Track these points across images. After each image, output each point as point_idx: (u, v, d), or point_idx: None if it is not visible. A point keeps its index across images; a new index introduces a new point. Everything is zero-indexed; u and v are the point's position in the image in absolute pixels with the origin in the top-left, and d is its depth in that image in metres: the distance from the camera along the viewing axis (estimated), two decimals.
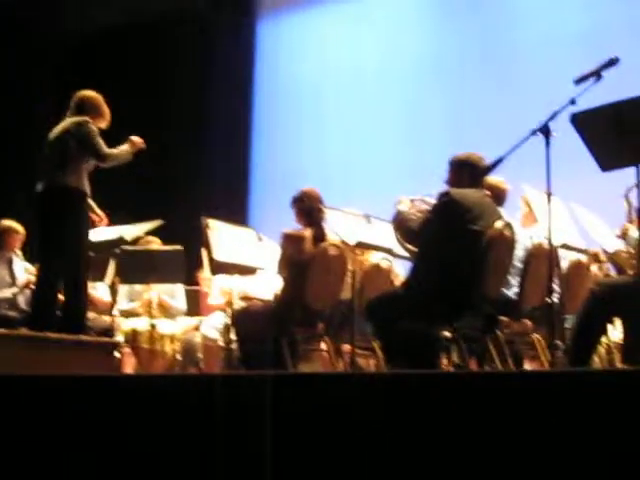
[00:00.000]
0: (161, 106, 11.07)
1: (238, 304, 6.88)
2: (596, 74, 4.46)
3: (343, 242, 6.14)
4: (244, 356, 6.33)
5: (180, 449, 3.42)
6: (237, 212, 10.27)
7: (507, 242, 5.47)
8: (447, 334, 5.53)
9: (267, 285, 6.93)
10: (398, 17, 10.80)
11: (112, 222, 6.92)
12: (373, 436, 3.17)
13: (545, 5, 9.86)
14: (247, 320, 6.42)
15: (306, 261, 6.20)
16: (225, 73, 11.39)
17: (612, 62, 4.44)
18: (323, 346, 6.52)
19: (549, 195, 4.63)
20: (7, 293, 7.36)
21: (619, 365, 5.85)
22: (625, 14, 9.33)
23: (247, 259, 6.56)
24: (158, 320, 7.62)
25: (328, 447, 3.23)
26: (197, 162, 11.06)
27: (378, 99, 10.55)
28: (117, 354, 6.97)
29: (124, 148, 6.56)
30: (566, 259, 6.15)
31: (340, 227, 6.13)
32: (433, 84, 10.26)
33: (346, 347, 6.44)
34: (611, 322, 5.52)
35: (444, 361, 5.80)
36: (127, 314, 7.90)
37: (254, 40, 11.72)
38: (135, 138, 6.59)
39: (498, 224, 5.38)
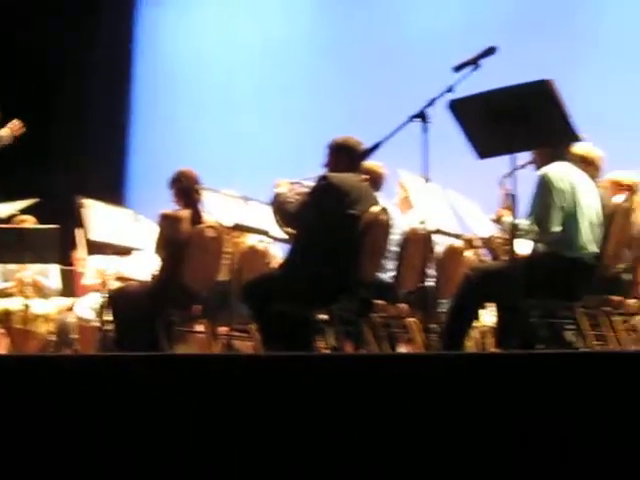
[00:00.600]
0: (40, 85, 10.81)
1: (114, 285, 6.79)
2: (474, 62, 4.52)
3: (220, 224, 6.11)
4: (119, 337, 6.25)
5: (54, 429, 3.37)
6: (115, 192, 10.12)
7: (383, 226, 5.52)
8: (323, 317, 5.56)
9: (144, 266, 6.85)
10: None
11: None
12: (249, 417, 3.17)
13: None
14: (123, 301, 6.33)
15: (183, 242, 6.15)
16: (104, 52, 11.19)
17: (489, 51, 4.50)
18: (199, 328, 6.49)
19: (425, 180, 4.68)
20: None
21: (492, 349, 5.96)
22: (503, 6, 9.56)
23: (123, 239, 6.48)
24: (32, 300, 7.48)
25: (203, 428, 3.22)
26: (75, 141, 10.85)
27: (258, 81, 10.52)
28: None
29: (3, 131, 6.44)
30: (441, 244, 6.23)
31: (217, 208, 6.11)
32: (314, 67, 10.27)
33: (223, 329, 6.43)
34: (484, 307, 5.63)
35: (320, 344, 5.83)
36: (0, 294, 7.72)
37: (134, 18, 11.54)
38: (14, 122, 6.47)
39: (375, 208, 5.42)
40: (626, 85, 9.17)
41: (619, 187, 5.94)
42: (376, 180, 5.94)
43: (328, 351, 5.80)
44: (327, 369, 3.20)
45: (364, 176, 5.61)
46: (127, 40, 11.45)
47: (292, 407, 3.15)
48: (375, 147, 4.80)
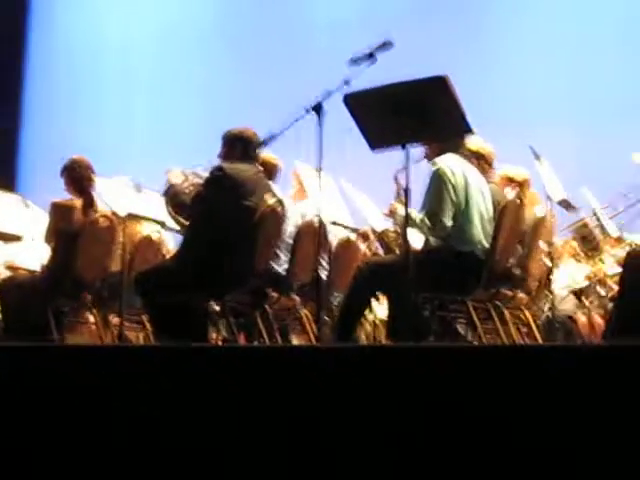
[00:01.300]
0: None
1: (3, 273, 6.65)
2: (370, 56, 4.54)
3: (113, 213, 6.03)
4: (8, 326, 6.13)
5: None
6: (4, 177, 9.89)
7: (278, 218, 5.52)
8: (216, 308, 5.54)
9: (35, 255, 6.72)
10: None
11: None
12: (140, 408, 3.14)
13: None
14: (12, 290, 6.21)
15: (75, 231, 6.05)
16: None
17: (385, 45, 4.53)
18: (91, 318, 6.40)
19: (320, 172, 4.69)
20: None
21: (384, 341, 6.00)
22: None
23: (11, 226, 6.34)
24: None
25: (98, 419, 3.18)
26: None
27: (160, 66, 10.41)
28: None
29: None
30: (335, 236, 6.25)
31: (111, 197, 6.02)
32: (213, 53, 10.22)
33: (115, 319, 6.35)
34: (377, 299, 5.67)
35: (213, 335, 5.81)
36: None
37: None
38: None
39: (269, 200, 5.42)
40: (518, 80, 9.34)
41: (510, 183, 6.04)
42: (271, 171, 5.94)
43: (221, 343, 5.79)
44: (219, 360, 3.19)
45: (259, 167, 5.60)
46: (21, 11, 11.13)
47: (184, 396, 3.13)
48: (271, 138, 4.79)
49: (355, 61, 4.55)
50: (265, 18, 10.18)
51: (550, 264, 5.80)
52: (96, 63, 10.78)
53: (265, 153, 5.68)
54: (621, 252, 6.08)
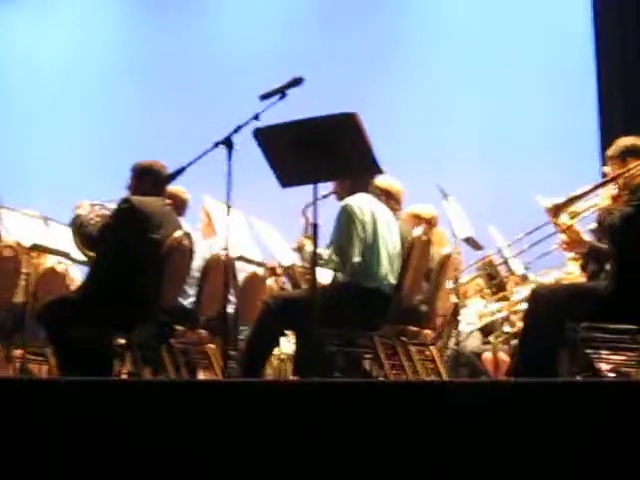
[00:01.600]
0: None
1: None
2: (280, 92, 4.56)
3: (18, 243, 5.94)
4: None
5: None
6: None
7: (185, 252, 5.49)
8: (122, 342, 5.47)
9: None
10: (90, 14, 10.67)
11: None
12: (46, 443, 3.09)
13: (246, 24, 10.10)
14: None
15: None
16: None
17: (296, 81, 4.55)
18: None
19: (229, 207, 4.69)
20: None
21: (290, 376, 6.00)
22: (317, 38, 9.75)
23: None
24: None
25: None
26: None
27: (65, 96, 10.33)
28: None
29: None
30: (243, 271, 6.25)
31: (16, 228, 5.93)
32: (123, 85, 10.17)
33: (17, 352, 6.24)
34: (284, 334, 5.66)
35: (118, 369, 5.74)
36: None
37: None
38: None
39: (177, 233, 5.39)
40: (429, 119, 9.46)
41: (418, 220, 6.11)
42: (179, 205, 5.92)
43: (126, 377, 5.72)
44: (124, 395, 3.15)
45: (167, 200, 5.58)
46: None
47: (89, 433, 3.08)
48: (179, 172, 4.77)
49: (266, 97, 4.56)
50: (175, 52, 10.18)
51: (456, 301, 5.87)
52: (2, 93, 10.65)
53: (173, 186, 5.66)
54: (526, 290, 6.17)
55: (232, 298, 5.77)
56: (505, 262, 6.39)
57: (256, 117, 4.52)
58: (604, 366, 6.84)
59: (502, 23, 9.79)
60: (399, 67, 9.86)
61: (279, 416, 2.97)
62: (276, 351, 6.14)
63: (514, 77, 9.62)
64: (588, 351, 5.33)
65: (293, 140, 4.44)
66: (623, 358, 5.98)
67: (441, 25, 10.00)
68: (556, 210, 4.88)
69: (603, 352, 5.85)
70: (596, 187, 4.97)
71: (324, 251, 5.11)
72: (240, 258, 5.83)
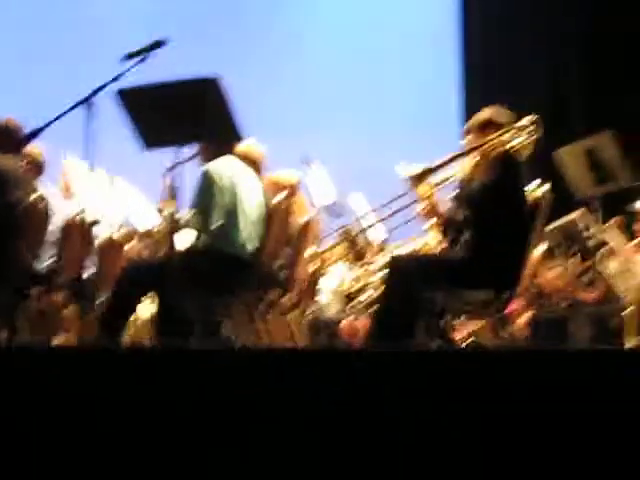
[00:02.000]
0: None
1: None
2: (143, 53, 4.49)
3: None
4: None
5: None
6: None
7: (41, 214, 5.38)
8: None
9: None
10: None
11: None
12: None
13: None
14: None
15: None
16: None
17: (159, 44, 4.49)
18: None
19: (90, 168, 4.61)
20: None
21: (148, 341, 5.95)
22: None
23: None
24: None
25: None
26: None
27: None
28: None
29: None
30: (102, 234, 6.15)
31: None
32: None
33: None
34: (142, 299, 5.61)
35: None
36: None
37: None
38: None
39: (33, 195, 5.27)
40: (294, 86, 9.48)
41: (279, 186, 6.11)
42: (38, 166, 5.78)
43: None
44: None
45: (24, 161, 5.45)
46: None
47: None
48: (37, 132, 4.66)
49: (129, 57, 4.49)
50: (37, 10, 9.93)
51: (316, 268, 5.91)
52: None
53: (31, 146, 5.53)
54: (384, 259, 6.25)
55: (90, 261, 5.68)
56: (365, 230, 6.46)
57: (117, 78, 4.45)
58: (459, 334, 7.00)
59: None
60: (266, 36, 9.83)
61: (136, 381, 2.94)
62: (135, 315, 6.08)
63: (382, 47, 9.73)
64: (443, 319, 5.44)
65: (156, 102, 4.39)
66: (478, 326, 6.13)
67: None
68: (416, 179, 4.96)
69: (458, 320, 5.98)
70: (455, 157, 5.07)
71: (185, 215, 5.07)
72: (99, 222, 5.74)
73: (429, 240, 6.14)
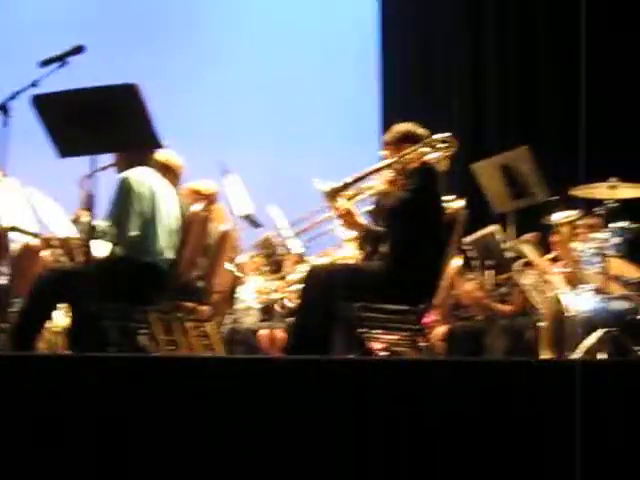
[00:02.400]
0: None
1: None
2: (61, 59, 4.44)
3: None
4: None
5: None
6: None
7: None
8: None
9: None
10: None
11: None
12: None
13: None
14: None
15: None
16: None
17: (77, 50, 4.44)
18: None
19: (3, 175, 4.54)
20: None
21: (64, 351, 5.88)
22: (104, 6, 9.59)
23: None
24: None
25: None
26: None
27: None
28: None
29: None
30: (17, 242, 6.06)
31: None
32: None
33: None
34: (57, 308, 5.54)
35: None
36: None
37: None
38: None
39: None
40: (214, 97, 9.46)
41: (198, 196, 6.09)
42: None
43: None
44: None
45: None
46: None
47: None
48: None
49: (46, 63, 4.44)
50: None
51: (234, 278, 5.89)
52: None
53: None
54: (303, 269, 6.25)
55: (4, 269, 5.58)
56: (283, 242, 6.45)
57: (34, 84, 4.39)
58: (377, 345, 7.04)
59: (288, 7, 9.92)
60: (186, 41, 9.80)
61: (52, 390, 2.91)
62: (50, 324, 6.00)
63: (299, 59, 9.74)
64: (361, 330, 5.46)
65: (72, 109, 4.33)
66: (395, 337, 6.16)
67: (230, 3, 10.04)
68: (333, 193, 4.98)
69: (376, 331, 6.01)
70: (372, 172, 5.11)
71: (101, 223, 5.02)
72: (13, 228, 5.65)
73: (347, 252, 6.17)
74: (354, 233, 5.90)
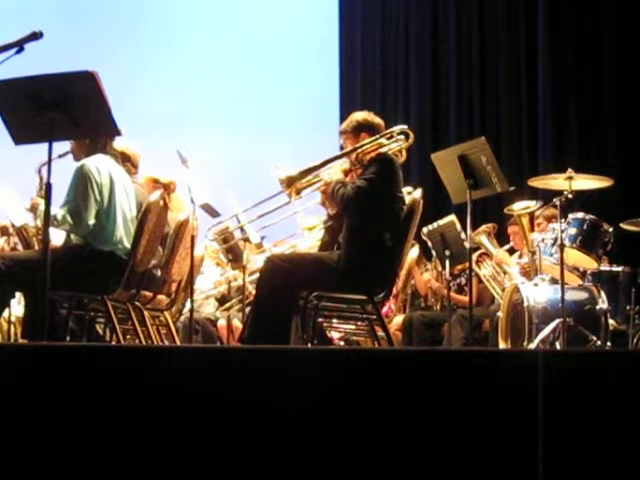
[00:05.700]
0: None
1: None
2: (17, 45, 4.39)
3: None
4: None
5: None
6: None
7: None
8: None
9: None
10: None
11: None
12: None
13: None
14: None
15: None
16: None
17: (34, 36, 4.39)
18: None
19: None
20: None
21: (20, 340, 5.84)
22: None
23: None
24: None
25: None
26: None
27: None
28: None
29: None
30: None
31: None
32: None
33: None
34: (14, 296, 5.50)
35: None
36: None
37: None
38: None
39: None
40: (171, 86, 9.43)
41: (155, 184, 6.06)
42: None
43: None
44: None
45: None
46: None
47: None
48: None
49: (1, 50, 4.38)
50: None
51: (191, 267, 5.86)
52: None
53: None
54: (261, 258, 6.25)
55: None
56: (241, 230, 6.44)
57: None
58: (335, 334, 7.06)
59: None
60: (141, 35, 9.76)
61: (4, 380, 2.89)
62: (5, 313, 5.95)
63: (264, 46, 9.74)
64: (320, 320, 5.47)
65: (28, 96, 4.28)
66: (353, 327, 6.18)
67: None
68: (289, 181, 4.98)
69: (334, 321, 6.03)
70: (328, 161, 5.10)
71: (58, 211, 4.98)
72: None
73: (305, 241, 6.18)
74: (313, 221, 5.91)
